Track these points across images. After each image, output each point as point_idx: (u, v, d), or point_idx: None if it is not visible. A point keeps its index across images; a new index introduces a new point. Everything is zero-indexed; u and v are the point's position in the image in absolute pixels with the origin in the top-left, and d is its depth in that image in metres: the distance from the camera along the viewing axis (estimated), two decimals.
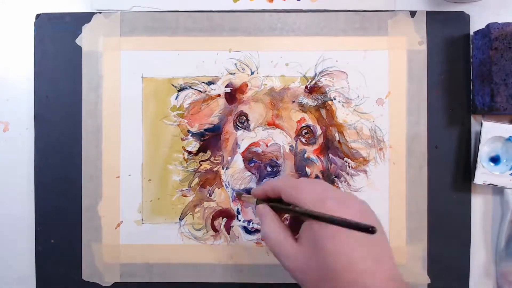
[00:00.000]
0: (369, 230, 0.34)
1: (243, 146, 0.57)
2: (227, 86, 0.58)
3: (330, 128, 0.57)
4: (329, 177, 0.57)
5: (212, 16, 0.58)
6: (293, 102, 0.57)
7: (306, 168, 0.57)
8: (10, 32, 0.60)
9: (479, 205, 0.58)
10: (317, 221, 0.38)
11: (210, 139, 0.58)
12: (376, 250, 0.37)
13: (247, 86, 0.58)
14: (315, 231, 0.38)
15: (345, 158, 0.57)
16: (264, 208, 0.45)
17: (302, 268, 0.39)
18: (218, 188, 0.58)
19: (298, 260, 0.39)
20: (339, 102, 0.57)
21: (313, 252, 0.38)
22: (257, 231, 0.57)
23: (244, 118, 0.57)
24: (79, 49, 0.58)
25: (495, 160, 0.56)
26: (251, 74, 0.58)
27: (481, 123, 0.56)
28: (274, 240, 0.41)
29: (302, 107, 0.57)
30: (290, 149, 0.57)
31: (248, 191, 0.57)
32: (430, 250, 0.57)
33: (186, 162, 0.58)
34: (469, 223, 0.57)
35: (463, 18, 0.57)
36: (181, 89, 0.58)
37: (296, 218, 0.48)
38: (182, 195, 0.58)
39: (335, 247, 0.37)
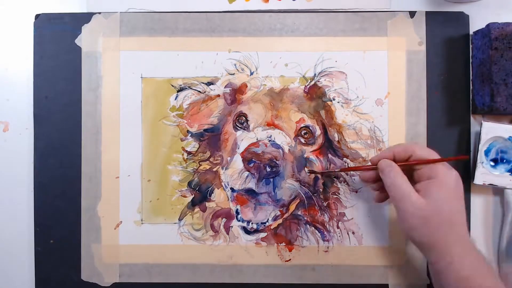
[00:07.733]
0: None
1: (242, 146, 0.57)
2: (226, 86, 0.58)
3: (330, 128, 0.57)
4: (328, 177, 0.57)
5: (211, 16, 0.58)
6: (292, 102, 0.57)
7: (306, 169, 0.57)
8: (10, 32, 0.60)
9: (479, 205, 0.58)
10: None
11: (210, 140, 0.58)
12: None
13: (247, 86, 0.58)
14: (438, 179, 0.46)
15: (344, 159, 0.57)
16: (389, 161, 0.49)
17: (425, 214, 0.45)
18: (218, 189, 0.58)
19: (422, 206, 0.45)
20: (338, 102, 0.57)
21: (435, 201, 0.45)
22: (256, 231, 0.57)
23: (244, 118, 0.57)
24: (78, 49, 0.58)
25: (495, 160, 0.56)
26: (251, 75, 0.58)
27: (481, 123, 0.55)
28: (402, 189, 0.46)
29: (301, 108, 0.57)
30: (289, 149, 0.57)
31: (247, 191, 0.56)
32: None
33: (186, 163, 0.58)
34: (469, 223, 0.56)
35: (462, 18, 0.57)
36: (181, 90, 0.58)
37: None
38: (181, 195, 0.58)
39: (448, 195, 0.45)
